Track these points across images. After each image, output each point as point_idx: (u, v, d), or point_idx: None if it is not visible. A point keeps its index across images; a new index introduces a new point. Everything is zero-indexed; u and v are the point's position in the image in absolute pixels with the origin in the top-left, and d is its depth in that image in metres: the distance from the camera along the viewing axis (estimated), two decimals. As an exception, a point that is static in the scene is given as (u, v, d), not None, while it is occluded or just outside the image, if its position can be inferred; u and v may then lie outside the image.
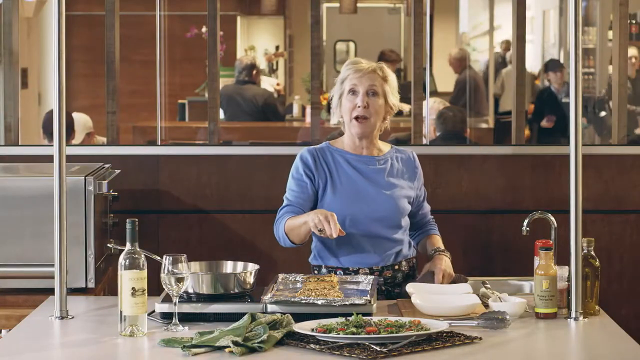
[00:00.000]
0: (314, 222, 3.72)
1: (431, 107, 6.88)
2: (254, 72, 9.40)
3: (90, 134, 6.88)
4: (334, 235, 3.68)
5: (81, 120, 6.92)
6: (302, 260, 4.11)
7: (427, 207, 4.25)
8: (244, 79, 9.38)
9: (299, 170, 4.05)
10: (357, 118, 3.98)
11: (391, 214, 4.03)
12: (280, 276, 3.77)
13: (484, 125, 10.47)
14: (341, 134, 4.17)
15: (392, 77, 4.05)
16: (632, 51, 9.65)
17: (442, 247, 4.14)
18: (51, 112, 6.67)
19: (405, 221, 4.08)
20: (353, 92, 3.99)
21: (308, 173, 4.02)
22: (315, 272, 4.06)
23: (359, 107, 3.97)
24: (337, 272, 3.98)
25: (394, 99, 4.03)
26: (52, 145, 3.64)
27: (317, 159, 4.04)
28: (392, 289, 4.01)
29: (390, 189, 4.03)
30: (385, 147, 4.14)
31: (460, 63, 11.00)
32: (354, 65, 4.03)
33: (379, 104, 3.99)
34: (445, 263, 4.02)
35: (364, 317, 3.28)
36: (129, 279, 3.29)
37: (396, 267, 4.04)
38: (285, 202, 4.04)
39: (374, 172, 4.04)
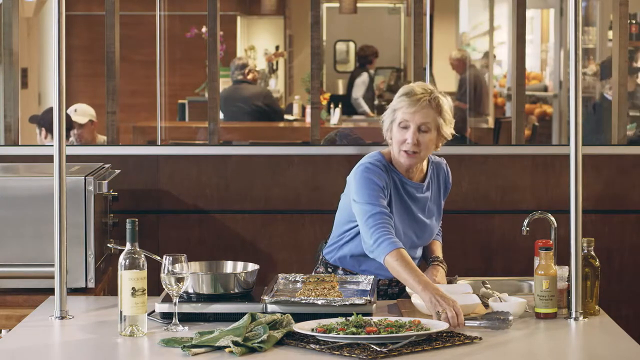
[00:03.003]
0: (434, 304, 3.43)
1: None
2: (246, 70, 9.39)
3: (93, 122, 6.87)
4: (459, 325, 3.40)
5: (85, 107, 6.94)
6: (302, 260, 4.11)
7: (441, 212, 4.21)
8: (238, 79, 9.39)
9: (374, 180, 3.85)
10: (406, 151, 3.88)
11: (427, 241, 4.07)
12: (280, 276, 3.77)
13: (484, 125, 10.48)
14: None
15: (446, 107, 3.89)
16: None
17: (441, 257, 4.13)
18: (46, 111, 6.71)
19: None
20: (404, 126, 3.87)
21: (382, 185, 3.86)
22: (329, 270, 4.04)
23: (408, 142, 3.86)
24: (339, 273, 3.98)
25: (447, 129, 3.90)
26: (52, 145, 3.64)
27: (385, 173, 3.90)
28: (399, 294, 4.00)
29: (430, 216, 4.02)
30: (425, 163, 4.03)
31: (462, 63, 11.01)
32: (408, 97, 3.87)
33: (430, 139, 3.87)
34: (439, 275, 4.02)
35: (364, 317, 3.28)
36: (129, 279, 3.29)
37: None
38: (376, 209, 3.80)
39: (420, 200, 3.98)
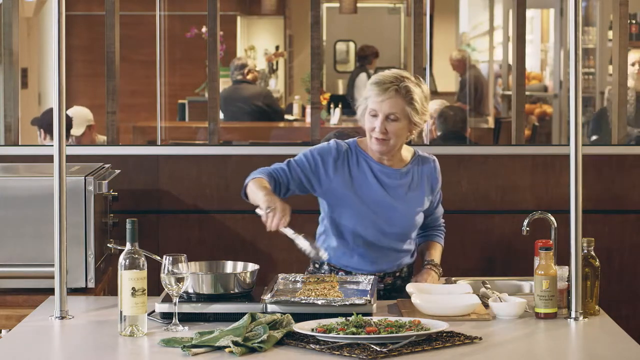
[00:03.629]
0: (267, 202, 3.65)
1: (435, 109, 6.88)
2: (246, 70, 9.39)
3: (91, 127, 6.86)
4: (271, 229, 3.63)
5: (82, 112, 6.91)
6: (302, 260, 4.11)
7: (439, 212, 4.20)
8: (238, 79, 9.39)
9: (314, 153, 3.95)
10: (376, 138, 3.91)
11: (406, 230, 4.02)
12: (280, 276, 3.77)
13: (484, 125, 10.47)
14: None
15: (417, 95, 3.89)
16: (634, 56, 9.64)
17: (436, 261, 4.11)
18: (45, 112, 6.70)
19: (415, 232, 4.08)
20: (374, 115, 3.90)
21: (319, 162, 3.94)
22: (316, 266, 4.05)
23: (376, 130, 3.88)
24: (339, 273, 3.98)
25: (418, 117, 3.90)
26: (52, 145, 3.64)
27: (342, 157, 3.95)
28: (389, 294, 4.00)
29: (408, 204, 3.99)
30: (408, 153, 4.05)
31: (462, 64, 11.01)
32: (376, 86, 3.89)
33: (399, 127, 3.88)
34: (430, 279, 4.01)
35: (364, 317, 3.28)
36: (129, 279, 3.29)
37: (397, 274, 4.03)
38: (284, 164, 3.96)
39: (396, 186, 3.97)
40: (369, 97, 3.91)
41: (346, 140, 4.04)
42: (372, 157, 3.98)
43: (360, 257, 3.97)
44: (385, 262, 3.99)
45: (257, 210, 3.69)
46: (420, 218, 4.05)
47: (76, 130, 6.77)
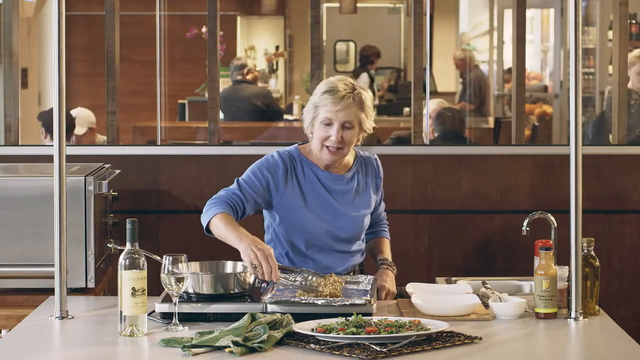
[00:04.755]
0: (249, 256, 3.53)
1: (433, 109, 6.88)
2: (245, 71, 9.39)
3: (92, 129, 6.87)
4: (273, 280, 3.51)
5: (84, 114, 6.92)
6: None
7: (382, 207, 4.21)
8: (237, 79, 9.39)
9: (262, 171, 3.92)
10: (328, 147, 3.89)
11: (356, 233, 4.02)
12: (281, 276, 3.76)
13: (484, 125, 10.47)
14: None
15: (368, 101, 3.91)
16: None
17: (389, 258, 4.11)
18: (49, 110, 6.71)
19: (364, 232, 4.09)
20: (327, 124, 3.88)
21: (269, 178, 3.90)
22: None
23: (332, 139, 3.87)
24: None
25: (368, 123, 3.92)
26: (52, 145, 3.64)
27: (289, 169, 3.94)
28: None
29: (356, 209, 3.99)
30: (350, 157, 4.03)
31: (465, 63, 11.00)
32: (331, 95, 3.88)
33: (353, 134, 3.89)
34: (389, 280, 4.01)
35: (364, 317, 3.28)
36: (129, 279, 3.29)
37: (351, 273, 4.02)
38: (232, 185, 3.89)
39: (342, 192, 3.97)
40: (323, 106, 3.88)
41: (287, 149, 4.01)
42: (316, 164, 3.96)
43: (314, 262, 3.95)
44: (338, 265, 3.99)
45: (241, 264, 3.62)
46: (368, 219, 4.07)
47: (78, 130, 6.78)
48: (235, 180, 3.93)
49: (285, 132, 9.48)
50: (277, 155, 3.96)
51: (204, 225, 3.81)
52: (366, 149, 4.29)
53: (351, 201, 3.98)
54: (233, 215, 3.81)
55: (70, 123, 6.54)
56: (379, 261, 4.10)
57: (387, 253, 4.14)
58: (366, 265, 4.15)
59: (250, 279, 3.56)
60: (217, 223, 3.74)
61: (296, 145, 4.04)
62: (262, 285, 3.67)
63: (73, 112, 6.83)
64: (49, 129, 6.32)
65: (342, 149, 3.89)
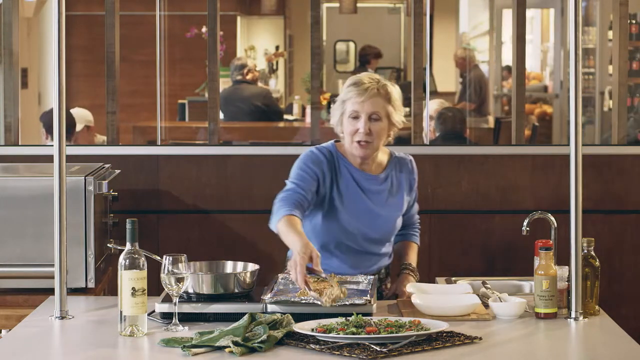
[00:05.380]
0: (290, 261, 3.53)
1: (435, 109, 6.88)
2: (245, 71, 9.39)
3: (90, 127, 6.86)
4: (298, 284, 3.47)
5: (82, 113, 6.92)
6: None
7: (415, 209, 4.18)
8: (237, 79, 9.39)
9: (309, 165, 3.90)
10: (359, 142, 3.88)
11: (387, 235, 4.01)
12: (280, 276, 3.76)
13: (484, 125, 10.47)
14: None
15: (395, 95, 3.91)
16: None
17: (413, 264, 4.09)
18: (50, 110, 6.70)
19: (395, 234, 4.08)
20: (355, 117, 3.87)
21: (317, 172, 3.89)
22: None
23: (360, 132, 3.86)
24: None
25: (397, 116, 3.91)
26: (52, 145, 3.64)
27: (331, 163, 3.92)
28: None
29: (389, 210, 3.98)
30: (385, 156, 4.03)
31: (466, 62, 11.01)
32: (356, 87, 3.89)
33: (382, 127, 3.88)
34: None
35: (364, 317, 3.28)
36: (129, 279, 3.29)
37: (375, 275, 4.02)
38: (288, 185, 3.87)
39: (376, 192, 3.96)
40: (348, 99, 3.88)
41: (324, 145, 3.99)
42: (351, 163, 3.95)
43: (340, 260, 3.96)
44: (364, 265, 3.99)
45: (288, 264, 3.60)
46: (400, 221, 4.05)
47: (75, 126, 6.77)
48: (287, 182, 3.89)
49: (285, 132, 9.48)
50: (316, 150, 3.95)
51: (275, 229, 3.76)
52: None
53: (384, 201, 3.97)
54: (300, 213, 3.77)
55: (71, 123, 6.54)
56: (402, 265, 4.08)
57: (412, 258, 4.12)
58: (392, 268, 4.13)
59: (251, 279, 3.56)
60: (281, 226, 3.71)
61: (332, 141, 4.01)
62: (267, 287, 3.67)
63: (70, 110, 6.83)
64: (49, 130, 6.32)
65: (371, 142, 3.87)
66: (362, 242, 3.95)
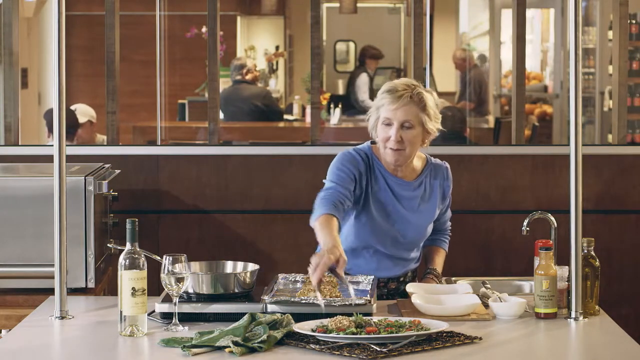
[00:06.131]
0: (322, 255, 3.48)
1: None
2: (245, 71, 9.39)
3: (92, 123, 6.86)
4: (312, 279, 3.45)
5: (85, 108, 6.93)
6: (302, 260, 4.10)
7: (447, 215, 4.15)
8: (237, 79, 9.40)
9: (346, 165, 3.87)
10: (391, 149, 3.85)
11: (416, 241, 4.00)
12: (280, 276, 3.77)
13: (484, 125, 10.48)
14: None
15: (430, 102, 3.85)
16: None
17: (439, 269, 4.08)
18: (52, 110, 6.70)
19: (423, 240, 4.06)
20: (387, 124, 3.84)
21: (354, 172, 3.86)
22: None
23: (392, 140, 3.83)
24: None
25: (431, 125, 3.87)
26: (52, 145, 3.64)
27: (367, 164, 3.90)
28: (392, 297, 3.99)
29: (420, 216, 3.96)
30: (420, 163, 4.00)
31: (465, 62, 11.01)
32: (389, 94, 3.84)
33: (414, 135, 3.84)
34: None
35: (364, 317, 3.28)
36: (129, 279, 3.29)
37: (401, 279, 4.02)
38: (327, 184, 3.85)
39: (408, 198, 3.93)
40: (382, 105, 3.85)
41: (360, 147, 3.97)
42: (385, 167, 3.93)
43: (366, 262, 3.95)
44: (392, 270, 3.98)
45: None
46: (430, 228, 4.04)
47: (78, 117, 6.78)
48: (326, 182, 3.87)
49: (285, 132, 9.48)
50: (354, 151, 3.93)
51: (313, 219, 3.75)
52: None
53: (416, 207, 3.95)
54: (338, 212, 3.75)
55: (73, 122, 6.55)
56: (427, 270, 4.07)
57: (438, 263, 4.10)
58: (419, 272, 4.12)
59: (251, 279, 3.56)
60: (318, 224, 3.70)
61: (368, 143, 3.99)
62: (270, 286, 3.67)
63: (74, 106, 6.84)
64: (52, 129, 6.31)
65: (403, 150, 3.85)
66: (391, 246, 3.94)
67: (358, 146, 3.98)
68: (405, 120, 3.82)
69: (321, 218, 3.70)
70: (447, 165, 4.07)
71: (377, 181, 3.92)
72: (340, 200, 3.78)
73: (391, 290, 3.99)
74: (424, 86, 3.94)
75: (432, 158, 4.05)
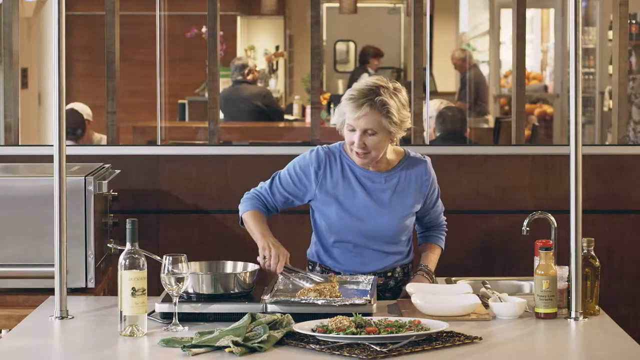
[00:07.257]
0: (264, 249, 3.80)
1: (436, 108, 6.87)
2: (246, 71, 9.39)
3: (89, 121, 6.86)
4: (278, 271, 3.74)
5: (81, 106, 6.93)
6: (302, 259, 4.11)
7: (437, 211, 4.13)
8: (237, 79, 9.39)
9: (297, 169, 3.96)
10: (357, 152, 3.86)
11: (389, 233, 3.97)
12: (280, 276, 3.77)
13: (484, 125, 10.48)
14: None
15: (394, 106, 3.81)
16: None
17: (430, 266, 4.06)
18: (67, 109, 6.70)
19: (407, 234, 4.03)
20: (351, 129, 3.85)
21: (304, 177, 3.95)
22: (310, 267, 4.05)
23: (355, 146, 3.84)
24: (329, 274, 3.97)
25: (396, 128, 3.82)
26: (52, 145, 3.64)
27: (323, 166, 3.93)
28: (382, 294, 3.98)
29: (393, 208, 3.94)
30: (396, 156, 3.99)
31: (465, 63, 11.01)
32: (351, 102, 3.83)
33: (378, 140, 3.83)
34: None
35: (364, 317, 3.28)
36: (129, 279, 3.29)
37: (389, 274, 4.01)
38: (268, 183, 4.01)
39: (379, 190, 3.93)
40: (345, 112, 3.86)
41: (331, 145, 4.00)
42: (356, 162, 3.94)
43: (350, 257, 3.96)
44: (374, 264, 3.98)
45: (258, 258, 3.81)
46: (410, 221, 4.02)
47: None
48: (273, 175, 4.03)
49: (285, 132, 9.48)
50: (314, 152, 3.97)
51: (240, 219, 4.03)
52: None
53: (387, 201, 3.94)
54: (264, 210, 4.02)
55: (80, 123, 6.55)
56: (419, 267, 4.06)
57: (430, 260, 4.08)
58: (413, 269, 4.12)
59: (251, 279, 3.56)
60: (247, 219, 3.97)
61: (342, 141, 3.98)
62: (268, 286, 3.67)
63: (70, 105, 6.85)
64: (71, 130, 6.32)
65: (368, 153, 3.86)
66: (366, 240, 3.94)
67: (330, 144, 4.02)
68: (367, 129, 3.82)
69: (249, 213, 3.97)
70: (428, 159, 4.04)
71: (345, 177, 3.93)
72: (266, 201, 4.02)
73: (379, 286, 3.97)
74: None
75: (411, 152, 4.04)
